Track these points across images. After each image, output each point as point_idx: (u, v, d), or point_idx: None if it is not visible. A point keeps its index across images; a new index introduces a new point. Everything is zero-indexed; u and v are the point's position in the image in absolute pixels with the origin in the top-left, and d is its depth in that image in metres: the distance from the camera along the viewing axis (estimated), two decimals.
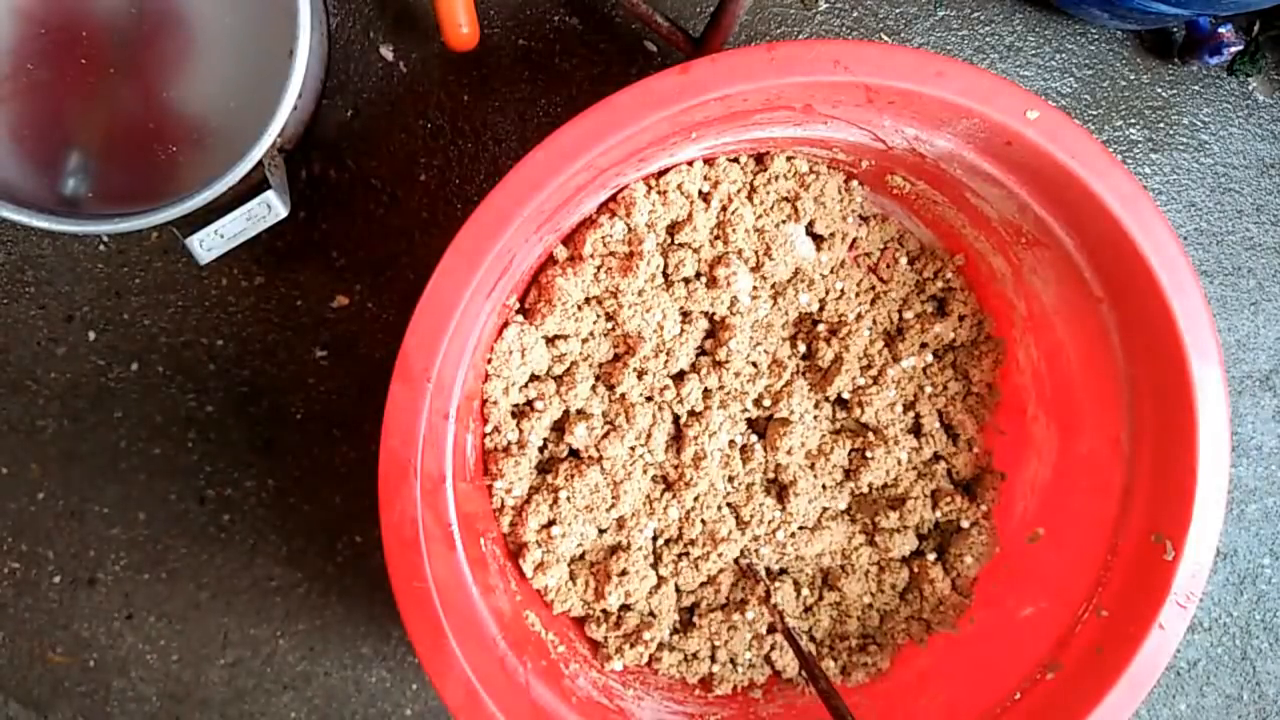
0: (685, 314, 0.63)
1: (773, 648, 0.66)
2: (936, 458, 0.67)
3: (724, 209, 0.62)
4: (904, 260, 0.67)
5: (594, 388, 0.63)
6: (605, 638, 0.64)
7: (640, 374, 0.63)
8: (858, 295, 0.66)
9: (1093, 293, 0.58)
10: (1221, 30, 0.69)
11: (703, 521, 0.64)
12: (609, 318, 0.62)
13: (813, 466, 0.65)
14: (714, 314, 0.63)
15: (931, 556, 0.67)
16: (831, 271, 0.65)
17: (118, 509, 0.71)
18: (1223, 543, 0.79)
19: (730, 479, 0.65)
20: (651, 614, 0.65)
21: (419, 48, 0.68)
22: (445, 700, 0.50)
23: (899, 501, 0.66)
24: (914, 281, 0.67)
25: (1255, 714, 0.82)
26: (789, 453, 0.64)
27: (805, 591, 0.66)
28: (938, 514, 0.66)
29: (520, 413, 0.63)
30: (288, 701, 0.73)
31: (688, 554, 0.64)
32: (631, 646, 0.63)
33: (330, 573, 0.72)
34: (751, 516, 0.64)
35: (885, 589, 0.66)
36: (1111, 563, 0.58)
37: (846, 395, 0.65)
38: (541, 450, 0.64)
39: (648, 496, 0.64)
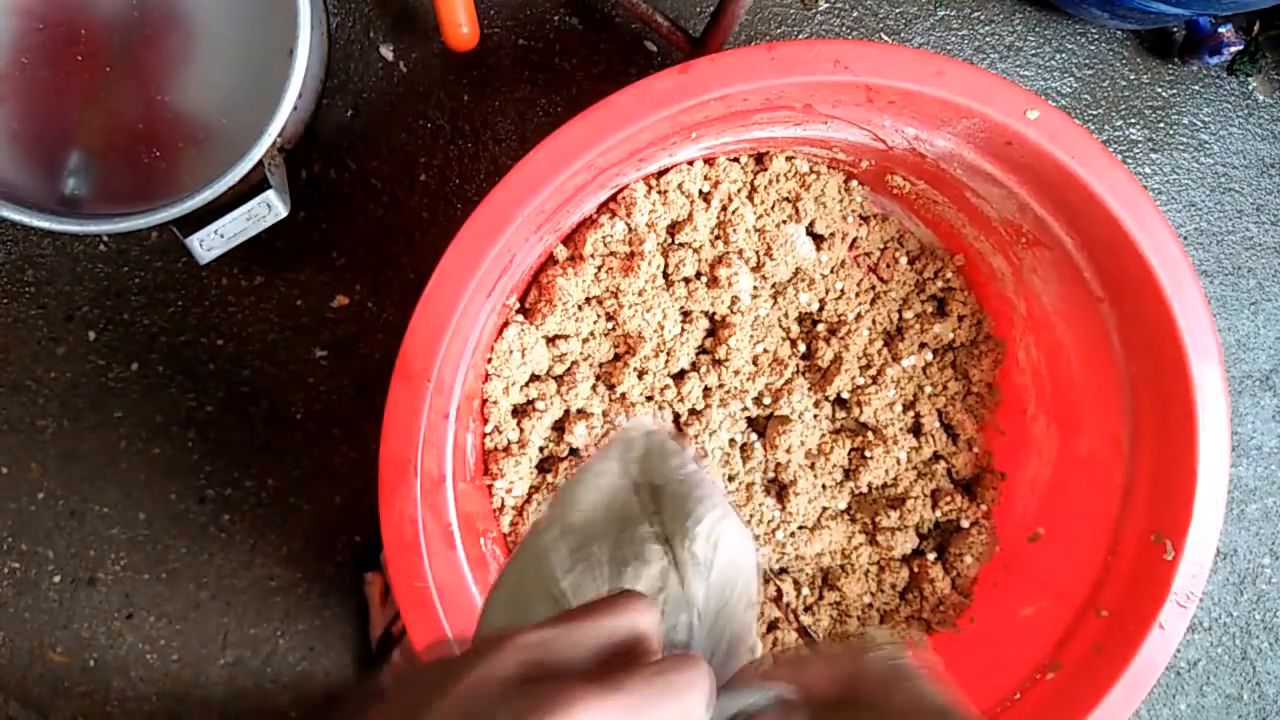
0: (685, 313, 0.63)
1: (773, 645, 0.66)
2: (936, 457, 0.67)
3: (724, 209, 0.62)
4: (904, 260, 0.67)
5: (594, 387, 0.63)
6: None
7: (641, 373, 0.63)
8: (858, 295, 0.66)
9: (1093, 293, 0.58)
10: (1221, 30, 0.69)
11: None
12: (609, 317, 0.62)
13: (812, 466, 0.65)
14: (714, 313, 0.63)
15: (931, 556, 0.67)
16: (832, 271, 0.65)
17: (118, 509, 0.71)
18: (1223, 543, 0.79)
19: (730, 478, 0.65)
20: None
21: (419, 48, 0.68)
22: None
23: (899, 501, 0.66)
24: (914, 281, 0.67)
25: (1255, 714, 0.82)
26: (788, 451, 0.64)
27: (805, 591, 0.66)
28: (938, 513, 0.66)
29: (521, 412, 0.63)
30: (288, 702, 0.73)
31: None
32: None
33: (330, 573, 0.72)
34: (752, 516, 0.64)
35: (885, 588, 0.66)
36: (1111, 563, 0.58)
37: (846, 395, 0.65)
38: (541, 450, 0.64)
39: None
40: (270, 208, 0.59)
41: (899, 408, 0.66)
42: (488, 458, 0.62)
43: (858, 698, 0.30)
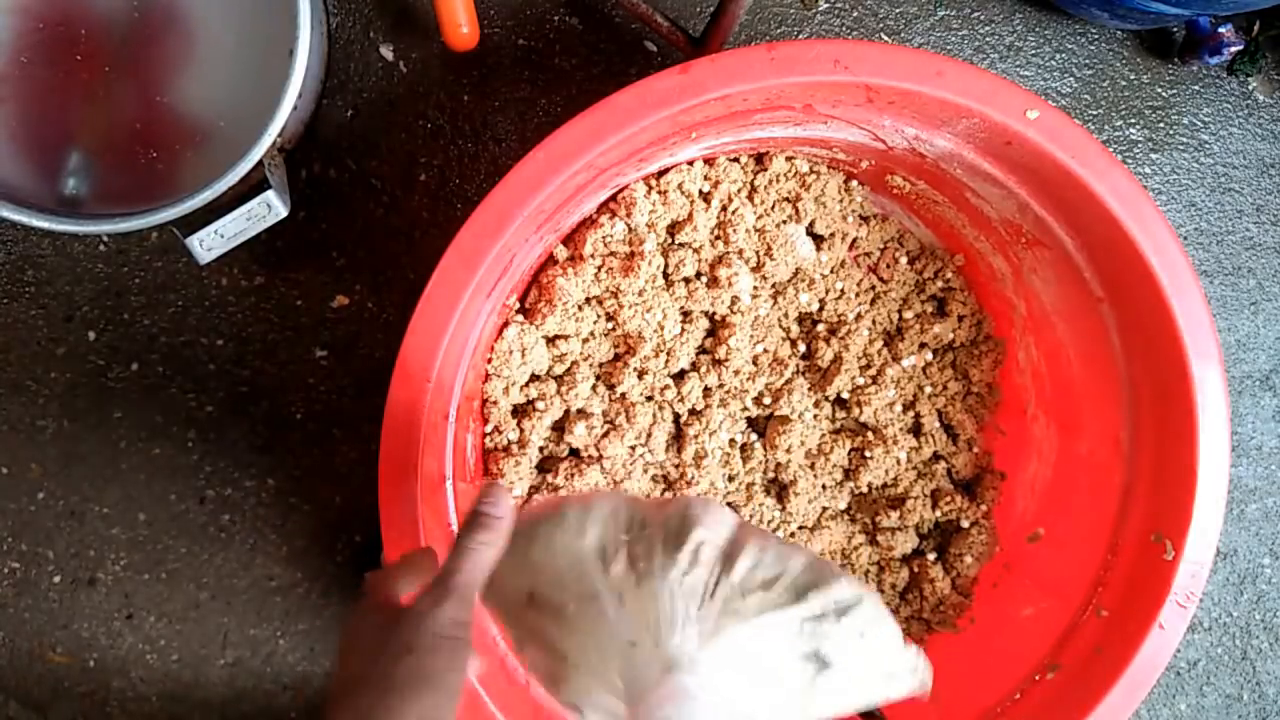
0: (685, 314, 0.63)
1: None
2: (936, 457, 0.67)
3: (724, 209, 0.62)
4: (904, 260, 0.67)
5: (594, 387, 0.63)
6: None
7: (641, 373, 0.63)
8: (858, 295, 0.66)
9: (1093, 293, 0.58)
10: (1221, 30, 0.69)
11: None
12: (609, 318, 0.62)
13: (813, 466, 0.65)
14: (714, 313, 0.63)
15: (932, 556, 0.67)
16: (832, 271, 0.65)
17: (118, 509, 0.71)
18: (1223, 543, 0.79)
19: (730, 478, 0.65)
20: None
21: (419, 48, 0.68)
22: None
23: (899, 501, 0.66)
24: (914, 281, 0.67)
25: (1255, 714, 0.82)
26: (789, 451, 0.64)
27: None
28: (938, 514, 0.66)
29: (521, 412, 0.63)
30: (288, 701, 0.73)
31: None
32: None
33: (330, 572, 0.72)
34: (752, 516, 0.64)
35: (885, 588, 0.66)
36: (1111, 563, 0.58)
37: (846, 395, 0.65)
38: (541, 450, 0.64)
39: (648, 496, 0.64)
40: (270, 208, 0.59)
41: (899, 408, 0.66)
42: (488, 458, 0.62)
43: None
